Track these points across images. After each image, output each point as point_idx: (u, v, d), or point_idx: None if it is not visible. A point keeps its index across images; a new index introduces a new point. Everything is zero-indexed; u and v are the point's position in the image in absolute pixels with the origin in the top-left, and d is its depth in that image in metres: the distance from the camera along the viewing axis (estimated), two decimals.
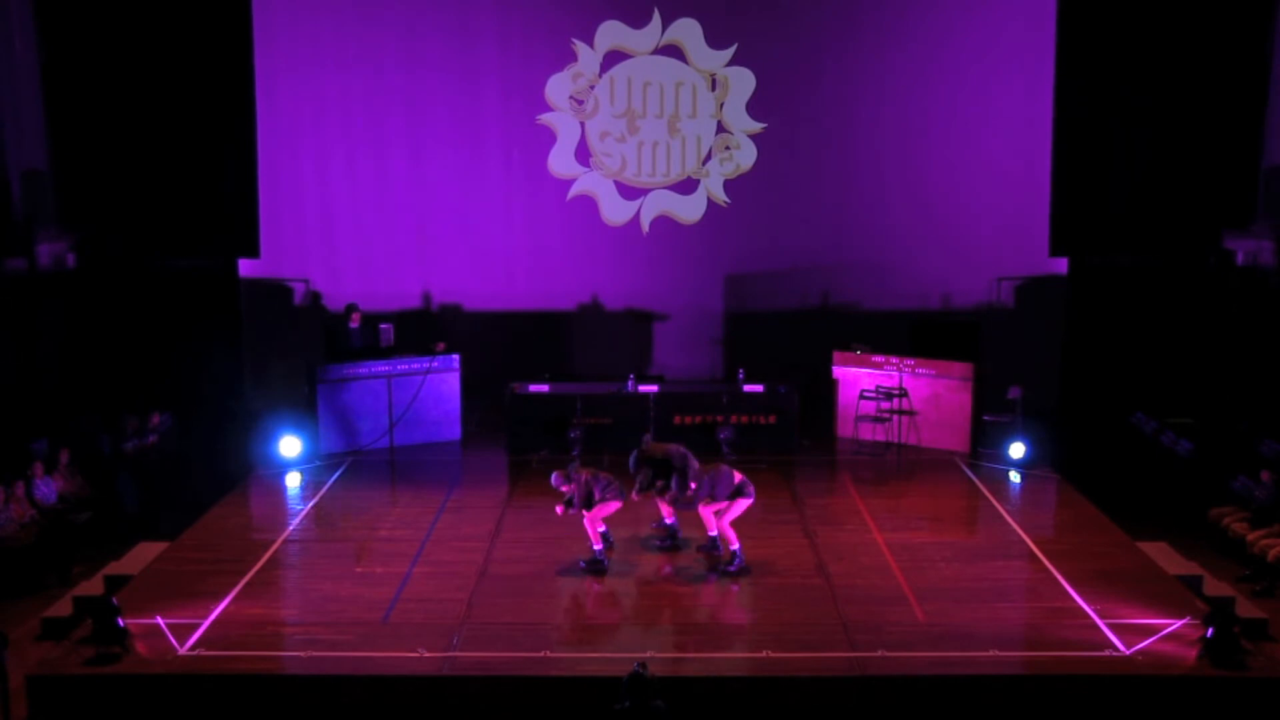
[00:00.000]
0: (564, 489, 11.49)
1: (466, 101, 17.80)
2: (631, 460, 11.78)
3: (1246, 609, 10.70)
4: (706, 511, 11.59)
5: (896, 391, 15.41)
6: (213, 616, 10.35)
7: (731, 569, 11.35)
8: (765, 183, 17.95)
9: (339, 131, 17.78)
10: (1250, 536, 12.39)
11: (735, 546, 11.39)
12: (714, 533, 11.67)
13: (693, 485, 11.36)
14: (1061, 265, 17.90)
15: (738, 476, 11.43)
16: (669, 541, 12.06)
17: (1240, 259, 17.36)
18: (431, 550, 11.99)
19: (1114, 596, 10.71)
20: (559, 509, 11.59)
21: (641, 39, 17.76)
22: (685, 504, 11.58)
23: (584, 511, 11.40)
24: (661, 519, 12.16)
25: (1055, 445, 15.17)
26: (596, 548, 11.48)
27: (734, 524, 11.44)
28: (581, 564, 11.48)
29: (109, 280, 17.59)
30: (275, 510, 13.51)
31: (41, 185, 16.95)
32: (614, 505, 11.49)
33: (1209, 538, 13.03)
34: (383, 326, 15.57)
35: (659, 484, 11.58)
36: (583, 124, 17.93)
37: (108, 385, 17.03)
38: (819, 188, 17.94)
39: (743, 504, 11.42)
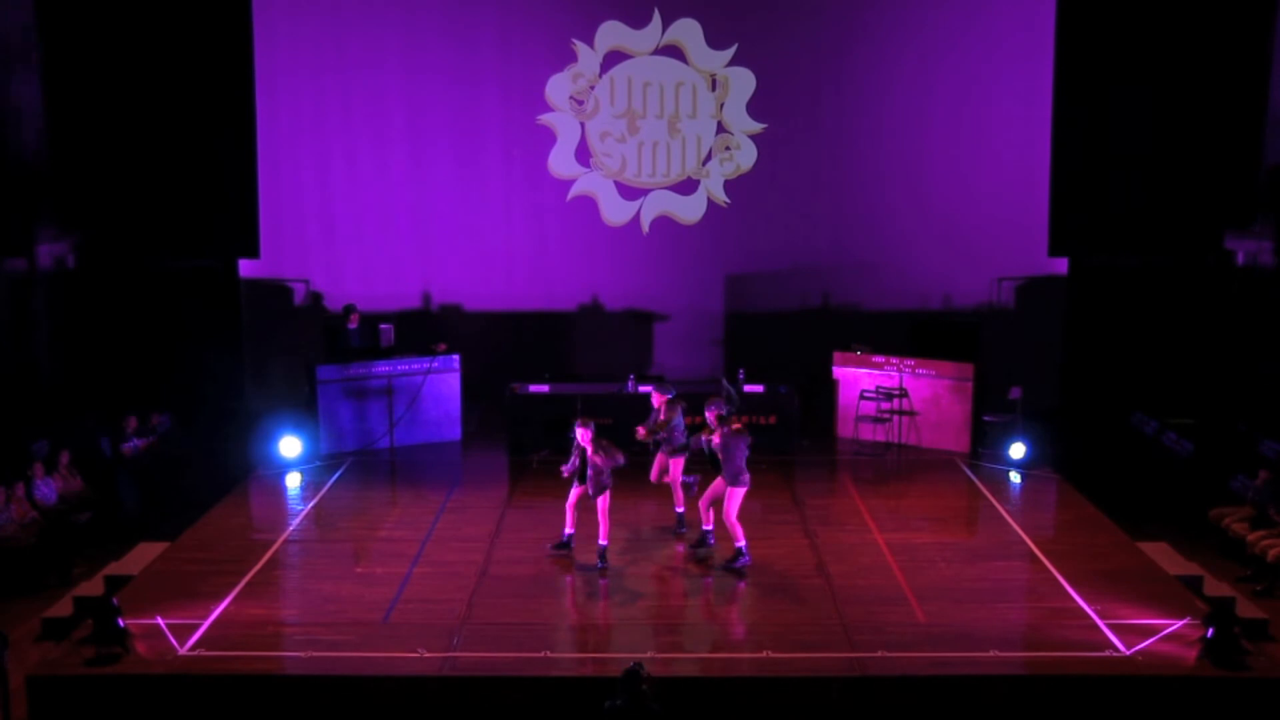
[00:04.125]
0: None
1: (467, 101, 17.79)
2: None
3: (1246, 609, 10.69)
4: (704, 504, 11.66)
5: (897, 392, 15.40)
6: (213, 617, 10.35)
7: (736, 565, 11.36)
8: (765, 183, 17.95)
9: (339, 131, 17.77)
10: (1250, 536, 12.39)
11: (741, 543, 11.40)
12: (709, 526, 11.70)
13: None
14: (1061, 265, 17.90)
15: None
16: (681, 529, 12.31)
17: (1240, 259, 17.38)
18: (432, 550, 11.99)
19: (1114, 596, 10.72)
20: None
21: (641, 39, 17.75)
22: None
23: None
24: (674, 507, 12.39)
25: (1055, 445, 15.17)
26: (603, 543, 11.49)
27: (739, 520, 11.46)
28: (600, 565, 11.48)
29: (109, 280, 17.58)
30: (275, 510, 13.51)
31: (41, 185, 16.95)
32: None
33: (1209, 538, 13.02)
34: (383, 327, 15.59)
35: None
36: (583, 124, 17.92)
37: (108, 385, 17.00)
38: (819, 188, 17.94)
39: (738, 494, 11.33)
